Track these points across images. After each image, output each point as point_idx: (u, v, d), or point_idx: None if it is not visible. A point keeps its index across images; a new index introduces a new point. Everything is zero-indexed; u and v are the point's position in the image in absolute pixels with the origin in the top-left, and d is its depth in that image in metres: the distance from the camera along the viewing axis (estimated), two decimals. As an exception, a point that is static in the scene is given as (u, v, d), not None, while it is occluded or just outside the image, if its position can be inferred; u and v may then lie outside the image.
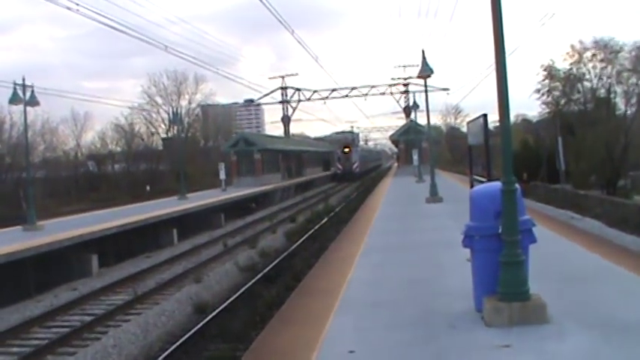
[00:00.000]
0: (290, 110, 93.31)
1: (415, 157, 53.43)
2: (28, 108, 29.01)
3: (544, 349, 7.06)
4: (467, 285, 9.05)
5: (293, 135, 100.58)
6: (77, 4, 26.16)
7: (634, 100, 51.04)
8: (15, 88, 27.24)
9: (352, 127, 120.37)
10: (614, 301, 8.83)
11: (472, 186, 16.73)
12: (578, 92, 53.58)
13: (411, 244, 15.77)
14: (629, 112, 51.59)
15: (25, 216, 28.79)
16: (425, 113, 36.12)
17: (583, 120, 50.68)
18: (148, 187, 64.54)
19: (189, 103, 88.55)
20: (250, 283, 18.60)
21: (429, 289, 10.46)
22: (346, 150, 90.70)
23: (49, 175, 66.01)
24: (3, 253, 18.90)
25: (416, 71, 31.83)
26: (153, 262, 24.43)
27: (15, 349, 14.00)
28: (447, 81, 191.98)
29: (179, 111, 74.68)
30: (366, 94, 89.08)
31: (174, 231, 30.55)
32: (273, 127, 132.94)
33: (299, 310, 10.06)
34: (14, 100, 27.74)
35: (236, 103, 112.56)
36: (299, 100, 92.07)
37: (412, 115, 66.30)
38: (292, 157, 74.70)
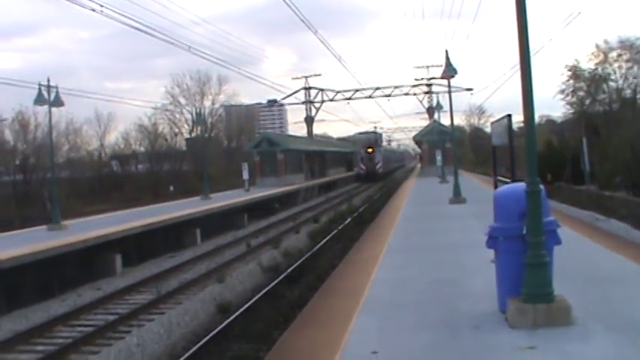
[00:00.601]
0: (313, 111, 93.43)
1: (438, 157, 53.28)
2: (53, 109, 29.32)
3: (568, 351, 7.01)
4: (491, 286, 9.01)
5: (316, 135, 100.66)
6: (101, 6, 26.34)
7: (660, 101, 50.56)
8: (40, 89, 27.53)
9: (375, 127, 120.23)
10: (639, 304, 8.75)
11: (496, 187, 16.66)
12: (604, 92, 53.20)
13: (434, 245, 15.73)
14: (655, 112, 51.03)
15: (49, 216, 29.09)
16: (448, 114, 36.04)
17: (608, 121, 50.28)
18: (171, 187, 64.90)
19: (213, 103, 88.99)
20: (273, 284, 18.62)
21: (452, 290, 10.43)
22: (369, 150, 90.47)
23: (73, 175, 66.68)
24: (27, 252, 19.08)
25: (439, 71, 31.82)
26: (176, 262, 24.53)
27: (39, 348, 14.13)
28: (470, 81, 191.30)
29: (202, 111, 75.11)
30: (390, 95, 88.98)
31: (198, 231, 30.68)
32: (296, 128, 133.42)
33: (322, 310, 10.07)
34: (39, 100, 28.03)
35: (259, 104, 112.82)
36: (322, 101, 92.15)
37: (435, 116, 66.04)
38: (315, 157, 74.72)
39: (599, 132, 49.72)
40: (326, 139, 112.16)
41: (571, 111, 56.54)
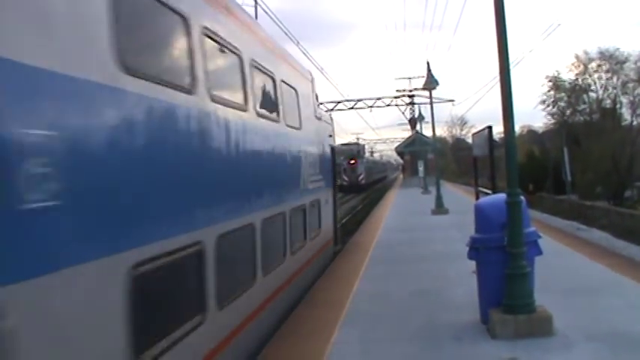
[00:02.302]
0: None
1: (421, 168, 53.37)
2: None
3: (550, 361, 7.04)
4: (472, 297, 9.04)
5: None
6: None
7: (640, 111, 51.00)
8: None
9: (358, 138, 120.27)
10: (621, 314, 8.80)
11: (477, 198, 16.71)
12: (584, 103, 53.61)
13: (416, 256, 15.74)
14: (635, 122, 51.49)
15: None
16: (430, 125, 36.15)
17: (589, 131, 50.64)
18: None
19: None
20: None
21: (434, 301, 10.45)
22: (352, 162, 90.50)
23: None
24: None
25: (421, 83, 31.97)
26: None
27: None
28: (452, 92, 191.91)
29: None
30: (372, 106, 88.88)
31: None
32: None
33: (305, 321, 10.03)
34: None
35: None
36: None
37: (417, 127, 66.19)
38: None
39: (580, 142, 50.07)
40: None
41: (552, 121, 56.96)
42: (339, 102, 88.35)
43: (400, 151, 75.33)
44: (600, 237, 24.14)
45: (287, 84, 11.96)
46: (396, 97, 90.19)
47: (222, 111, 7.41)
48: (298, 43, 49.45)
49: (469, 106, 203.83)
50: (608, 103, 52.60)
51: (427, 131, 63.16)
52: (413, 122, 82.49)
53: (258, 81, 9.82)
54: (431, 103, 33.56)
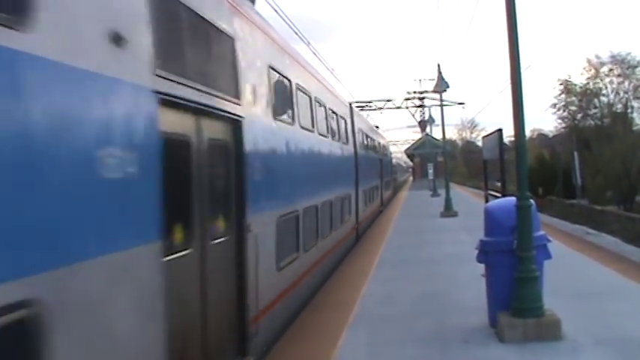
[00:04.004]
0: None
1: (430, 171, 53.33)
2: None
3: (558, 365, 7.02)
4: (481, 300, 9.02)
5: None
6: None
7: (651, 115, 50.85)
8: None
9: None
10: (630, 319, 8.76)
11: (487, 201, 16.67)
12: (595, 107, 53.48)
13: (425, 259, 15.73)
14: (645, 127, 51.34)
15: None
16: (440, 127, 36.10)
17: (599, 135, 50.49)
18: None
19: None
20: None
21: (443, 304, 10.43)
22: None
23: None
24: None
25: (432, 85, 31.92)
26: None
27: None
28: (462, 95, 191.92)
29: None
30: (382, 108, 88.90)
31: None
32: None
33: (313, 323, 10.04)
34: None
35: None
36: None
37: (427, 129, 66.19)
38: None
39: (590, 146, 49.93)
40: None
41: (563, 125, 56.88)
42: (349, 103, 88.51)
43: (410, 153, 75.26)
44: (610, 242, 24.01)
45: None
46: (406, 100, 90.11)
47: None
48: (309, 43, 49.49)
49: (479, 109, 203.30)
50: (619, 107, 52.50)
51: (437, 133, 63.16)
52: (423, 124, 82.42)
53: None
54: (441, 106, 33.57)
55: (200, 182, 6.25)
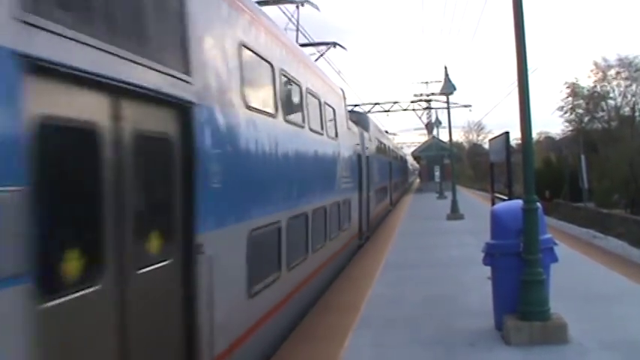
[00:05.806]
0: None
1: (437, 173, 53.30)
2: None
3: (564, 369, 7.01)
4: (487, 303, 9.01)
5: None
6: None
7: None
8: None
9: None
10: (636, 323, 8.74)
11: (493, 203, 16.66)
12: (602, 110, 53.40)
13: (431, 261, 15.73)
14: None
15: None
16: (447, 130, 36.07)
17: (606, 138, 50.41)
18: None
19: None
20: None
21: (449, 307, 10.42)
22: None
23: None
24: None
25: (438, 87, 31.88)
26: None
27: None
28: (469, 97, 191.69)
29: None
30: (389, 110, 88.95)
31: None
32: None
33: (318, 325, 10.03)
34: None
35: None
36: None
37: (434, 132, 66.06)
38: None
39: (597, 149, 49.83)
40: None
41: (569, 128, 56.81)
42: (355, 105, 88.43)
43: (416, 155, 75.17)
44: (617, 245, 23.99)
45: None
46: (413, 102, 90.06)
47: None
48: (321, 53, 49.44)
49: (486, 112, 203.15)
50: (626, 110, 52.39)
51: (444, 136, 63.06)
52: (430, 127, 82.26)
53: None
54: (448, 108, 33.54)
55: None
